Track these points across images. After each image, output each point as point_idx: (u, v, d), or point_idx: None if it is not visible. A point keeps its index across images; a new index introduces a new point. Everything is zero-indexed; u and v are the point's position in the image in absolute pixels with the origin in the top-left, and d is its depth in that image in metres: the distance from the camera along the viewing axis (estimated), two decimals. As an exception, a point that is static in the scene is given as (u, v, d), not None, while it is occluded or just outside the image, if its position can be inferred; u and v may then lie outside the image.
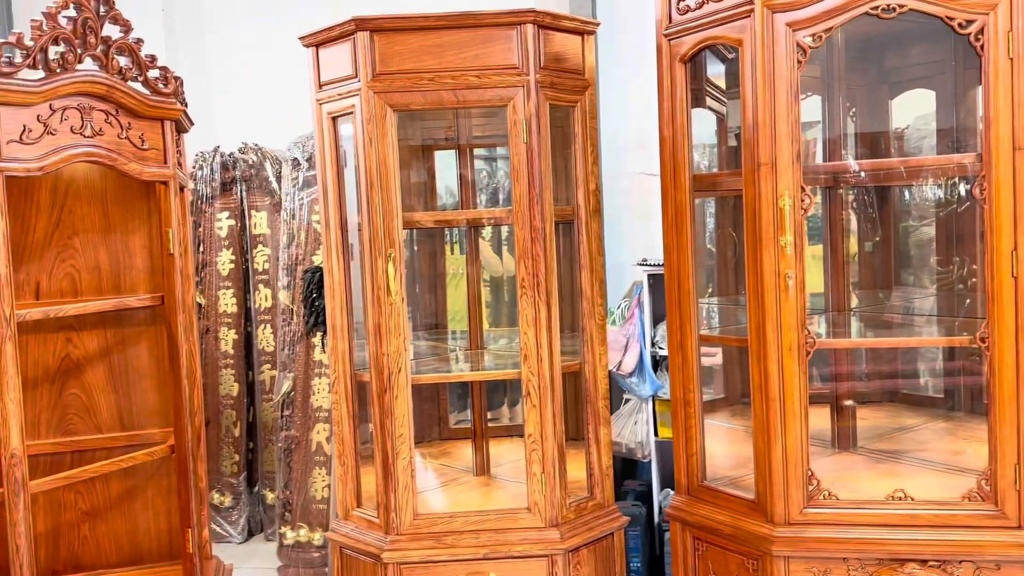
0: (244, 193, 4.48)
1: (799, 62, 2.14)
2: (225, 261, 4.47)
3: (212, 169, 4.46)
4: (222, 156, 4.47)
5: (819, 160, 2.95)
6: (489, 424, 3.13)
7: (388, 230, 2.41)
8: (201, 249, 4.44)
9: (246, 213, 4.47)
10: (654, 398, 3.78)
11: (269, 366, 4.44)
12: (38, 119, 1.93)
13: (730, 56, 2.83)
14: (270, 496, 4.44)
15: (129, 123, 2.12)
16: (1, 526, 1.87)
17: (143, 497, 2.53)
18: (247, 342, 4.51)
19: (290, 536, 4.01)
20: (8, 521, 1.85)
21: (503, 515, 2.49)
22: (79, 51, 2.00)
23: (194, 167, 4.47)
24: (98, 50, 2.05)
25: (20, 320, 1.91)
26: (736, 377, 3.06)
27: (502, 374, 2.71)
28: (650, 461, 3.81)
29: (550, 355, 2.46)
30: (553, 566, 2.46)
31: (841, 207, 2.94)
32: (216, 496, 4.44)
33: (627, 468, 4.04)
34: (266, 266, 4.44)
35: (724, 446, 2.78)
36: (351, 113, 2.44)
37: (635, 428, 3.87)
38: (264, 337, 4.45)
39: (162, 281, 2.29)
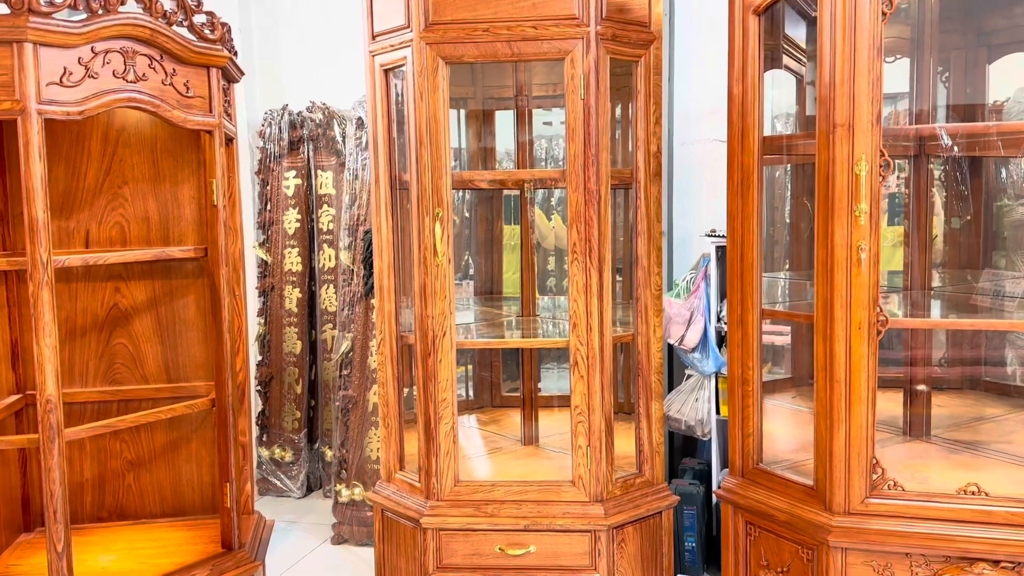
0: (311, 152, 4.45)
1: (884, 14, 1.95)
2: (291, 220, 4.47)
3: (280, 128, 4.44)
4: (290, 115, 4.45)
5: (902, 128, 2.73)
6: (541, 393, 3.04)
7: (436, 188, 2.32)
8: (268, 207, 4.45)
9: (312, 172, 4.45)
10: (717, 375, 3.63)
11: (331, 326, 4.44)
12: (79, 62, 1.90)
13: (813, 13, 2.64)
14: (329, 453, 4.46)
15: (174, 69, 2.08)
16: (39, 471, 1.87)
17: (187, 449, 2.54)
18: (311, 301, 4.51)
19: (345, 494, 4.02)
20: (42, 467, 1.85)
21: (546, 487, 2.41)
22: (122, -8, 1.95)
23: (263, 125, 4.47)
24: (142, -8, 2.01)
25: (58, 267, 1.90)
26: (805, 355, 2.90)
27: (549, 342, 2.61)
28: (710, 440, 3.68)
29: (600, 324, 2.34)
30: (596, 542, 2.36)
31: (926, 180, 2.72)
32: (277, 451, 4.48)
33: (687, 446, 3.91)
34: (330, 226, 4.42)
35: (787, 428, 2.63)
36: (403, 66, 2.36)
37: (696, 405, 3.73)
38: (327, 297, 4.44)
39: (207, 233, 2.26)
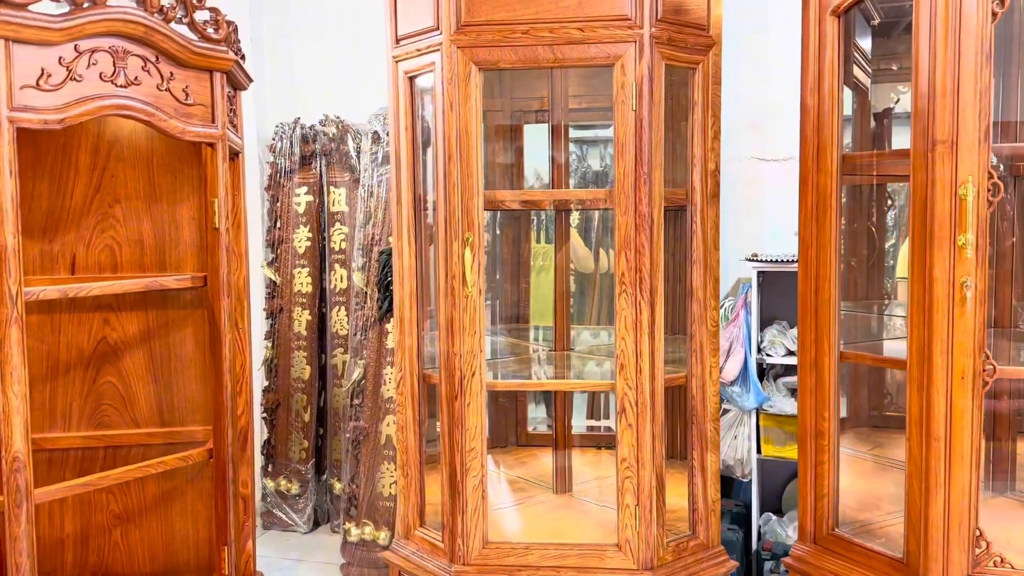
0: (324, 168, 4.25)
1: (995, 14, 1.68)
2: (302, 238, 4.26)
3: (291, 142, 4.24)
4: (302, 128, 4.24)
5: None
6: (573, 431, 2.75)
7: (467, 210, 2.05)
8: (278, 225, 4.25)
9: (325, 189, 4.25)
10: (758, 411, 3.37)
11: (342, 350, 4.20)
12: (59, 62, 1.64)
13: (876, 20, 2.38)
14: (338, 486, 4.22)
15: (171, 73, 1.82)
16: (1, 538, 1.60)
17: (182, 501, 2.26)
18: (321, 324, 4.29)
19: (354, 533, 3.76)
20: (7, 536, 1.57)
21: (587, 551, 2.12)
22: (111, -17, 1.70)
23: (273, 139, 4.28)
24: (134, -17, 1.75)
25: (31, 299, 1.63)
26: (862, 394, 2.62)
27: (592, 384, 2.33)
28: (750, 481, 3.41)
29: (651, 366, 2.06)
30: (644, 616, 2.08)
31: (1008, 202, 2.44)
32: (283, 483, 4.25)
33: (723, 486, 3.63)
34: (343, 245, 4.20)
35: (848, 480, 2.34)
36: (430, 72, 2.09)
37: (734, 443, 3.48)
38: (338, 320, 4.21)
39: (207, 259, 2.00)
